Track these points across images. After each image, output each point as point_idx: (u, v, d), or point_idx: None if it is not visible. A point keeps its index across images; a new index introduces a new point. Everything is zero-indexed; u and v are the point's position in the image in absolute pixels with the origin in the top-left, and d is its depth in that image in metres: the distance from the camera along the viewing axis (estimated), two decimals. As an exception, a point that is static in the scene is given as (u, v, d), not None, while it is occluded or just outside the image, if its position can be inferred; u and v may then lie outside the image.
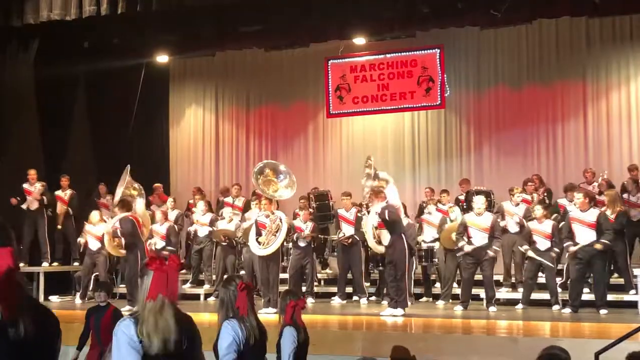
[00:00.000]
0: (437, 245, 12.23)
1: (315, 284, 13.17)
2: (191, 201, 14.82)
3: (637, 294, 10.62)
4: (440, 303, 11.86)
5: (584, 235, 10.38)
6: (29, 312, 3.48)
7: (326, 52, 15.53)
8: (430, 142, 15.31)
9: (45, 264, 13.55)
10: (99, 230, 12.66)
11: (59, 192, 13.97)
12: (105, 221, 12.84)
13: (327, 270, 13.93)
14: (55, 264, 13.82)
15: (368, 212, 11.33)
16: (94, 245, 12.78)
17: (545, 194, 12.87)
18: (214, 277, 13.32)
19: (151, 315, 3.40)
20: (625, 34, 13.98)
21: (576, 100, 14.27)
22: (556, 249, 10.86)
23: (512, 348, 7.89)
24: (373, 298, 12.50)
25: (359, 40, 14.84)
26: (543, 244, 10.91)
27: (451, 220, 12.06)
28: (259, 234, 11.00)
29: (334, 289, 12.83)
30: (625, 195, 12.04)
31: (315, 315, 10.17)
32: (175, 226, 13.51)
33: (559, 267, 11.39)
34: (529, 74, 14.63)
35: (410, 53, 15.12)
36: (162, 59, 15.92)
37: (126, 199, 11.90)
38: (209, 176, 16.88)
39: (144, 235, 11.80)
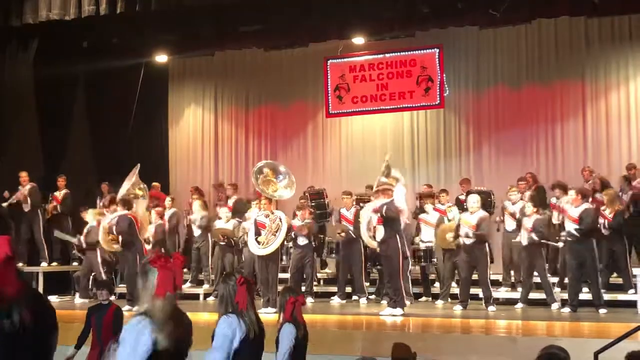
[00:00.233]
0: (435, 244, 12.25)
1: (315, 283, 13.18)
2: (190, 200, 14.84)
3: (636, 293, 10.62)
4: (439, 303, 11.88)
5: (568, 228, 10.61)
6: (27, 301, 3.47)
7: (325, 52, 15.53)
8: (429, 141, 15.31)
9: (44, 264, 13.57)
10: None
11: (56, 193, 14.02)
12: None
13: (327, 270, 13.92)
14: (54, 263, 13.85)
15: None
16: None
17: (536, 191, 12.90)
18: (212, 276, 13.33)
19: (164, 314, 3.41)
20: (624, 34, 13.97)
21: (575, 100, 14.27)
22: (535, 236, 10.92)
23: (511, 348, 7.89)
24: (373, 297, 12.50)
25: (358, 40, 14.84)
26: (525, 237, 11.01)
27: (449, 220, 12.08)
28: (258, 233, 11.00)
29: (334, 289, 12.83)
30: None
31: (315, 315, 10.17)
32: (166, 224, 13.45)
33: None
34: (528, 73, 14.63)
35: (409, 53, 15.12)
36: (162, 58, 15.92)
37: (128, 198, 11.93)
38: (208, 176, 16.87)
39: (141, 235, 11.83)
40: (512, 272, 12.24)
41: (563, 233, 11.05)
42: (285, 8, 12.90)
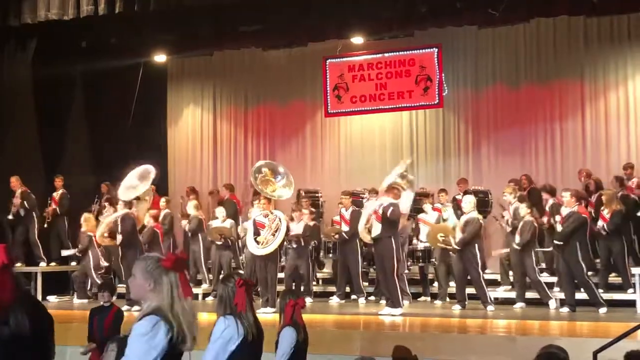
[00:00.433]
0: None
1: (314, 283, 13.19)
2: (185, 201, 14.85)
3: (635, 292, 10.63)
4: (438, 303, 11.89)
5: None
6: (25, 307, 3.47)
7: (324, 52, 15.52)
8: (428, 141, 15.29)
9: (42, 264, 13.55)
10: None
11: (54, 193, 14.01)
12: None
13: (325, 270, 13.92)
14: (52, 264, 13.82)
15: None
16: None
17: (529, 193, 12.91)
18: (210, 276, 13.33)
19: (188, 315, 3.42)
20: (623, 33, 13.96)
21: (574, 99, 14.26)
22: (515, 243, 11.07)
23: (510, 347, 7.89)
24: (372, 298, 12.49)
25: (357, 40, 14.83)
26: (517, 239, 11.09)
27: (443, 220, 12.08)
28: (257, 233, 11.00)
29: (333, 289, 12.84)
30: None
31: (314, 314, 10.16)
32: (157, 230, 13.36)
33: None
34: (527, 73, 14.61)
35: (408, 52, 15.11)
36: (160, 58, 15.91)
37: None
38: (207, 176, 16.85)
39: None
40: (510, 272, 12.25)
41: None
42: (284, 8, 12.89)
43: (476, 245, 11.15)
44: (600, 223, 11.25)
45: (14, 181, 13.38)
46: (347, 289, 12.72)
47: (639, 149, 13.60)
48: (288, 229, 11.48)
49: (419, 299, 12.44)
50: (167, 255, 3.52)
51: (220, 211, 13.35)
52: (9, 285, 3.46)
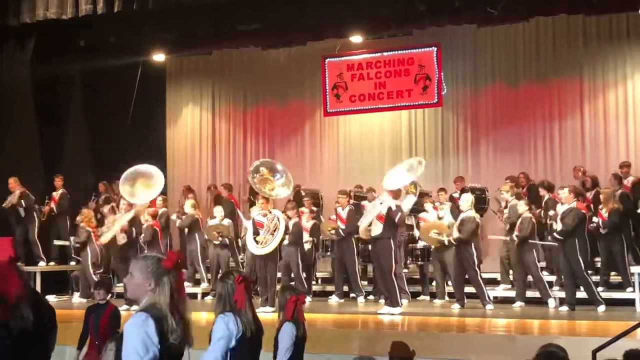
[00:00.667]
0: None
1: (313, 282, 13.19)
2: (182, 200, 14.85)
3: (634, 291, 10.63)
4: (437, 301, 11.89)
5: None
6: (28, 301, 3.49)
7: (323, 51, 15.51)
8: (427, 140, 15.29)
9: (42, 264, 13.55)
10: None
11: (53, 193, 14.01)
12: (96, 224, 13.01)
13: (325, 269, 13.92)
14: (52, 263, 13.82)
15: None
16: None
17: (528, 190, 12.93)
18: (208, 275, 13.32)
19: (185, 315, 3.43)
20: (622, 31, 13.96)
21: (573, 97, 14.26)
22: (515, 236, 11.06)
23: (509, 346, 7.89)
24: (371, 297, 12.48)
25: (356, 39, 14.82)
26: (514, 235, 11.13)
27: (439, 218, 12.08)
28: (256, 232, 11.00)
29: (332, 288, 12.83)
30: None
31: (313, 313, 10.16)
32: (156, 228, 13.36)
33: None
34: (526, 71, 14.62)
35: (407, 51, 15.11)
36: (159, 57, 15.90)
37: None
38: (206, 175, 16.85)
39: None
40: (510, 271, 12.26)
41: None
42: (283, 7, 12.89)
43: (472, 244, 11.15)
44: (595, 219, 11.27)
45: (12, 182, 13.34)
46: (346, 288, 12.72)
47: (637, 148, 13.61)
48: (287, 228, 11.47)
49: (418, 298, 12.44)
50: (168, 255, 3.50)
51: (219, 210, 13.35)
52: (15, 278, 3.48)
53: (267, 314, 9.80)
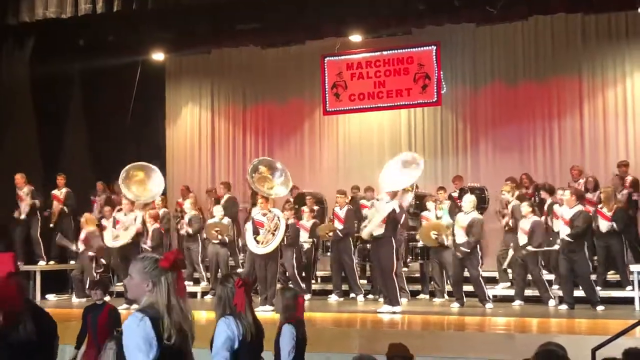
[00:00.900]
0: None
1: (312, 281, 13.20)
2: (180, 200, 14.82)
3: (633, 290, 10.64)
4: (437, 300, 11.89)
5: (563, 231, 10.59)
6: (30, 314, 3.51)
7: (322, 50, 15.50)
8: (426, 139, 15.30)
9: (41, 263, 13.53)
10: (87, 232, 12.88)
11: (55, 191, 13.97)
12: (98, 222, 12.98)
13: (324, 268, 13.93)
14: (51, 262, 13.81)
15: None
16: (81, 246, 12.92)
17: (536, 192, 12.93)
18: (207, 274, 13.31)
19: (185, 314, 3.44)
20: (621, 30, 13.96)
21: (572, 96, 14.26)
22: (530, 247, 10.96)
23: (508, 345, 7.90)
24: (370, 297, 12.48)
25: (355, 38, 14.82)
26: (522, 239, 11.05)
27: (437, 218, 12.07)
28: (256, 232, 10.99)
29: (331, 287, 12.83)
30: None
31: (313, 312, 10.17)
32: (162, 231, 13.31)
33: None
34: (525, 70, 14.62)
35: (406, 50, 15.10)
36: (158, 56, 15.90)
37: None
38: (205, 174, 16.85)
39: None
40: (509, 270, 12.25)
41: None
42: (282, 6, 12.89)
43: (478, 245, 11.16)
44: (603, 222, 11.19)
45: (19, 178, 13.27)
46: (346, 287, 12.71)
47: (636, 147, 13.61)
48: (287, 227, 11.46)
49: (417, 297, 12.44)
50: (165, 256, 3.51)
51: (218, 209, 13.34)
52: (16, 292, 3.50)
53: (266, 313, 9.81)
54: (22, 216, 13.34)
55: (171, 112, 17.23)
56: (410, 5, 12.74)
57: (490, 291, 11.43)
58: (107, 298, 7.70)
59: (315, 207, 13.50)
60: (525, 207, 11.20)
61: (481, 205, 12.68)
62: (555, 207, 11.34)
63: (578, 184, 12.51)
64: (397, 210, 10.41)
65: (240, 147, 16.77)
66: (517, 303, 11.08)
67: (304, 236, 12.67)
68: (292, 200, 13.47)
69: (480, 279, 11.09)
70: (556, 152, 14.28)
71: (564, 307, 10.49)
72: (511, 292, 11.63)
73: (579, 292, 10.67)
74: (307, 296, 11.97)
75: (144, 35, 14.67)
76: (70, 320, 8.68)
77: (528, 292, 11.32)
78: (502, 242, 12.13)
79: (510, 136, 14.55)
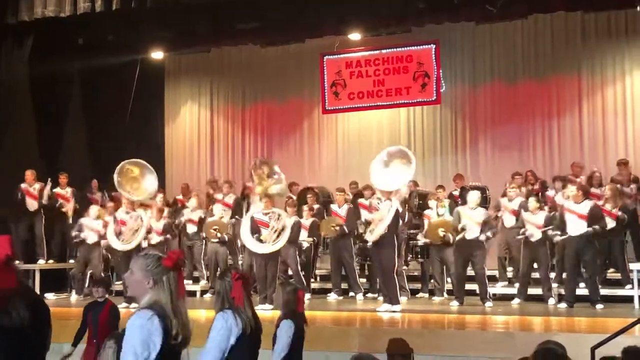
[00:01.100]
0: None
1: (312, 280, 13.19)
2: (179, 197, 14.80)
3: (633, 288, 10.63)
4: (436, 299, 11.88)
5: (576, 227, 10.46)
6: (25, 299, 3.49)
7: (321, 48, 15.50)
8: (426, 137, 15.31)
9: (41, 261, 13.53)
10: (97, 225, 12.73)
11: (58, 190, 13.97)
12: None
13: (324, 267, 13.91)
14: (51, 261, 13.80)
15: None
16: (91, 239, 12.79)
17: (541, 186, 12.95)
18: (207, 273, 13.31)
19: (183, 314, 3.42)
20: (620, 28, 13.97)
21: (571, 95, 14.28)
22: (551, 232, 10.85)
23: (508, 343, 7.89)
24: (369, 295, 12.47)
25: (355, 36, 14.82)
26: (537, 234, 10.95)
27: (439, 215, 12.04)
28: (256, 231, 10.96)
29: (331, 285, 12.82)
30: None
31: (312, 311, 10.16)
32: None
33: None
34: (525, 69, 14.63)
35: (405, 49, 15.11)
36: (157, 55, 15.90)
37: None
38: (204, 173, 16.85)
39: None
40: (509, 268, 12.25)
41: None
42: (281, 5, 12.90)
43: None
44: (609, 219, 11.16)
45: (29, 175, 13.34)
46: (345, 286, 12.70)
47: (636, 145, 13.62)
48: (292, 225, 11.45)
49: (417, 295, 12.43)
50: (168, 254, 3.49)
51: (218, 208, 13.32)
52: (11, 277, 3.48)
53: (266, 312, 9.81)
54: (32, 208, 13.36)
55: (170, 111, 17.23)
56: (409, 4, 12.75)
57: (490, 289, 11.42)
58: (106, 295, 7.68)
59: (315, 206, 13.46)
60: (532, 203, 11.15)
61: (482, 205, 12.66)
62: (566, 203, 11.17)
63: (580, 180, 12.49)
64: (400, 209, 10.41)
65: (240, 146, 16.78)
66: (517, 301, 11.07)
67: (303, 235, 12.65)
68: (294, 197, 13.42)
69: (485, 277, 11.10)
70: (555, 151, 14.30)
71: (563, 305, 10.48)
72: (510, 290, 11.63)
73: (578, 291, 10.66)
74: (307, 295, 11.95)
75: (143, 34, 14.67)
76: (70, 319, 8.67)
77: (529, 292, 11.29)
78: (503, 243, 12.12)
79: (509, 134, 14.56)
